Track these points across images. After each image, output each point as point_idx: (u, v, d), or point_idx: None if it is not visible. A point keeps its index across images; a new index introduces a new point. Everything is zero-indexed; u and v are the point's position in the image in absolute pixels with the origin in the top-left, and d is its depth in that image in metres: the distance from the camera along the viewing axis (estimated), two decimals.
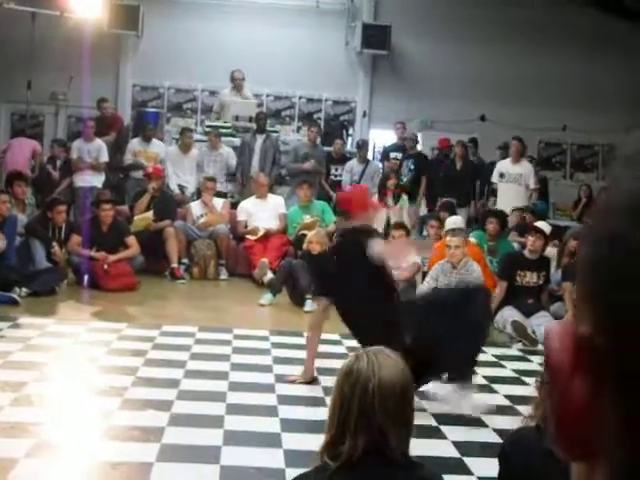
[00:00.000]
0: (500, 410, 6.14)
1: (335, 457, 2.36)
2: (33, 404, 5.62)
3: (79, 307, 9.38)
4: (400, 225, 10.45)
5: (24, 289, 9.35)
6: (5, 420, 5.23)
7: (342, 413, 2.40)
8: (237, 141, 13.79)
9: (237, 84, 14.49)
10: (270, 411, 5.75)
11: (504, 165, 13.02)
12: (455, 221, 10.16)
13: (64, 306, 9.36)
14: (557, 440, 0.65)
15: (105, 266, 10.29)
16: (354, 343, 8.05)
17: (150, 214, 11.58)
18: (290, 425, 5.47)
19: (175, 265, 11.34)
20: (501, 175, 12.87)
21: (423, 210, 13.93)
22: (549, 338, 0.65)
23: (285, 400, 6.01)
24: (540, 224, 9.99)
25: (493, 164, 13.75)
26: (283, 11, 16.43)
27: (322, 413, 5.69)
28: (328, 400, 5.98)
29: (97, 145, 13.19)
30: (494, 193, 13.39)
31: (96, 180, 13.10)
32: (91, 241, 10.48)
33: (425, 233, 12.05)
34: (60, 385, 6.18)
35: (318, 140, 14.00)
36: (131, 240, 10.80)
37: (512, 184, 12.71)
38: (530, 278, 9.54)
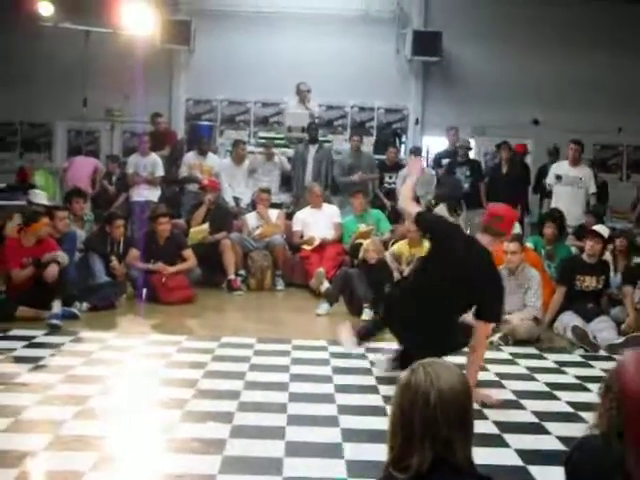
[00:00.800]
0: (564, 417, 6.06)
1: (404, 470, 2.35)
2: (96, 417, 5.67)
3: (138, 320, 9.46)
4: None
5: (84, 304, 9.49)
6: (69, 433, 5.28)
7: (405, 427, 2.38)
8: (291, 152, 13.84)
9: (302, 96, 14.52)
10: (331, 421, 5.73)
11: (562, 167, 12.68)
12: None
13: (124, 320, 9.45)
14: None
15: (163, 279, 10.37)
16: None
17: (206, 226, 11.66)
18: (351, 435, 5.45)
19: (232, 277, 11.39)
20: (557, 177, 12.62)
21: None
22: (625, 368, 0.64)
23: (345, 410, 5.99)
24: (598, 227, 9.86)
25: (545, 167, 13.57)
26: (332, 20, 16.48)
27: (383, 422, 5.68)
28: (388, 409, 5.99)
29: (152, 159, 13.34)
30: (548, 195, 13.14)
31: (152, 194, 13.25)
32: (149, 255, 10.59)
33: None
34: (122, 398, 6.23)
35: (363, 148, 13.99)
36: (188, 253, 10.88)
37: (570, 187, 12.44)
38: (589, 282, 9.41)
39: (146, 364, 7.34)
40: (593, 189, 12.56)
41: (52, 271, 8.83)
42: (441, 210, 12.07)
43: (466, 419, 2.44)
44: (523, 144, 14.78)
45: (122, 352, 7.70)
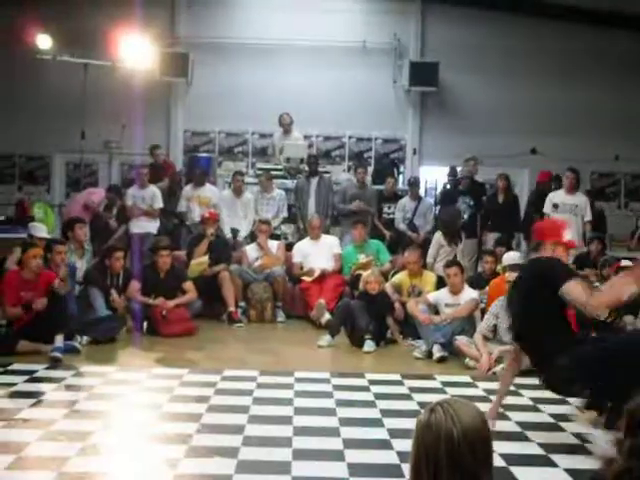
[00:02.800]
0: (570, 449, 6.02)
1: None
2: (100, 453, 5.63)
3: (139, 354, 9.41)
4: (454, 262, 10.36)
5: (85, 337, 9.45)
6: (73, 470, 5.23)
7: (430, 466, 2.37)
8: (289, 183, 13.87)
9: (285, 128, 14.63)
10: (337, 455, 5.69)
11: (558, 196, 12.80)
12: (513, 257, 10.06)
13: (125, 353, 9.41)
14: None
15: (163, 312, 10.35)
16: (414, 383, 8.04)
17: (206, 259, 11.64)
18: (358, 470, 5.41)
19: (232, 309, 11.37)
20: (555, 206, 12.70)
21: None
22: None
23: (351, 444, 5.95)
24: (625, 262, 9.88)
25: (533, 194, 13.66)
26: (330, 51, 16.56)
27: (389, 456, 5.68)
28: (394, 442, 5.98)
29: (151, 192, 13.33)
30: None
31: (151, 226, 13.23)
32: (149, 287, 10.56)
33: (480, 269, 11.94)
34: (126, 434, 6.19)
35: (367, 180, 14.04)
36: (188, 285, 10.86)
37: (567, 215, 12.51)
38: None
39: (149, 398, 7.28)
40: (589, 217, 12.67)
41: (41, 302, 8.80)
42: (437, 238, 12.10)
43: (489, 454, 2.44)
44: (547, 172, 14.74)
45: (124, 386, 7.65)
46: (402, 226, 13.50)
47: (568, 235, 6.72)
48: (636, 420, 2.30)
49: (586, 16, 16.50)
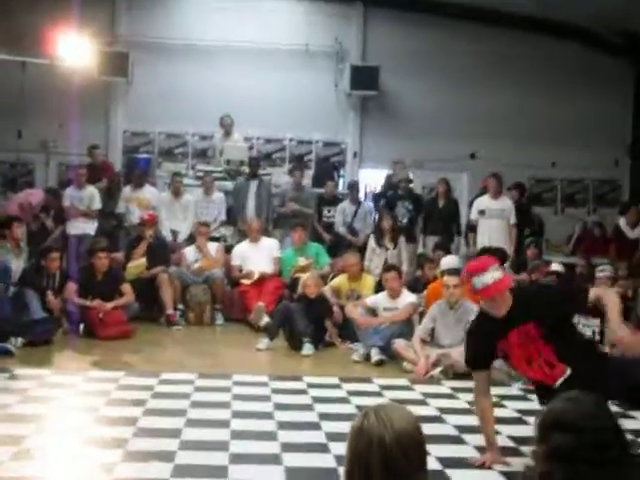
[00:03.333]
0: (505, 452, 6.08)
1: None
2: (34, 458, 5.54)
3: (76, 357, 9.32)
4: (392, 267, 10.41)
5: (19, 339, 9.30)
6: (7, 475, 5.15)
7: (363, 472, 2.37)
8: (229, 185, 13.82)
9: (226, 129, 14.59)
10: (274, 459, 5.69)
11: (483, 202, 12.98)
12: (451, 261, 10.16)
13: (60, 356, 9.30)
14: None
15: (100, 314, 10.24)
16: (352, 387, 8.06)
17: (144, 261, 11.56)
18: (295, 473, 5.41)
19: (170, 311, 11.30)
20: (481, 212, 12.88)
21: (421, 250, 13.87)
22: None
23: (289, 447, 5.94)
24: (555, 266, 10.03)
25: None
26: (273, 54, 16.52)
27: (326, 460, 5.68)
28: (332, 446, 5.98)
29: (89, 192, 13.18)
30: (473, 229, 13.38)
31: (89, 227, 13.08)
32: (86, 289, 10.45)
33: (419, 273, 12.01)
34: (61, 438, 6.11)
35: (304, 182, 14.06)
36: (126, 288, 10.77)
37: (495, 220, 12.73)
38: None
39: (84, 401, 7.20)
40: (514, 220, 12.82)
41: None
42: (370, 243, 12.22)
43: (423, 456, 2.45)
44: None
45: (59, 389, 7.56)
46: (342, 229, 13.53)
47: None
48: (547, 426, 2.33)
49: (525, 23, 16.69)
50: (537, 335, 5.49)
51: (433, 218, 13.75)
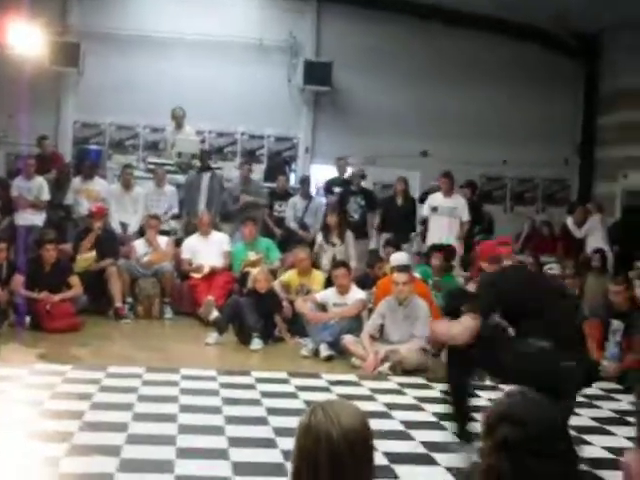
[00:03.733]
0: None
1: None
2: None
3: (22, 349, 9.21)
4: (341, 263, 10.44)
5: None
6: None
7: (311, 469, 2.38)
8: (181, 178, 13.75)
9: (178, 122, 14.51)
10: (221, 454, 5.67)
11: (436, 199, 13.22)
12: (401, 257, 10.20)
13: (6, 348, 9.16)
14: None
15: (47, 306, 10.13)
16: (300, 382, 8.07)
17: (93, 253, 11.45)
18: (242, 468, 5.41)
19: (119, 304, 11.21)
20: (434, 209, 13.06)
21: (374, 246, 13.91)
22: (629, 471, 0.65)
23: (236, 442, 5.94)
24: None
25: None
26: (226, 47, 16.45)
27: (273, 455, 5.69)
28: (279, 441, 5.98)
29: (38, 183, 13.04)
30: (424, 224, 13.56)
31: (37, 219, 12.94)
32: (34, 281, 10.32)
33: (368, 270, 12.04)
34: (4, 431, 6.03)
35: (253, 176, 14.06)
36: (74, 280, 10.66)
37: (446, 217, 12.94)
38: None
39: (30, 395, 7.11)
40: (466, 217, 13.01)
41: None
42: (317, 239, 12.28)
43: (370, 452, 2.46)
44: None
45: (4, 382, 7.46)
46: (293, 224, 13.52)
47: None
48: (494, 420, 2.35)
49: (479, 23, 16.81)
50: None
51: (391, 216, 13.80)
